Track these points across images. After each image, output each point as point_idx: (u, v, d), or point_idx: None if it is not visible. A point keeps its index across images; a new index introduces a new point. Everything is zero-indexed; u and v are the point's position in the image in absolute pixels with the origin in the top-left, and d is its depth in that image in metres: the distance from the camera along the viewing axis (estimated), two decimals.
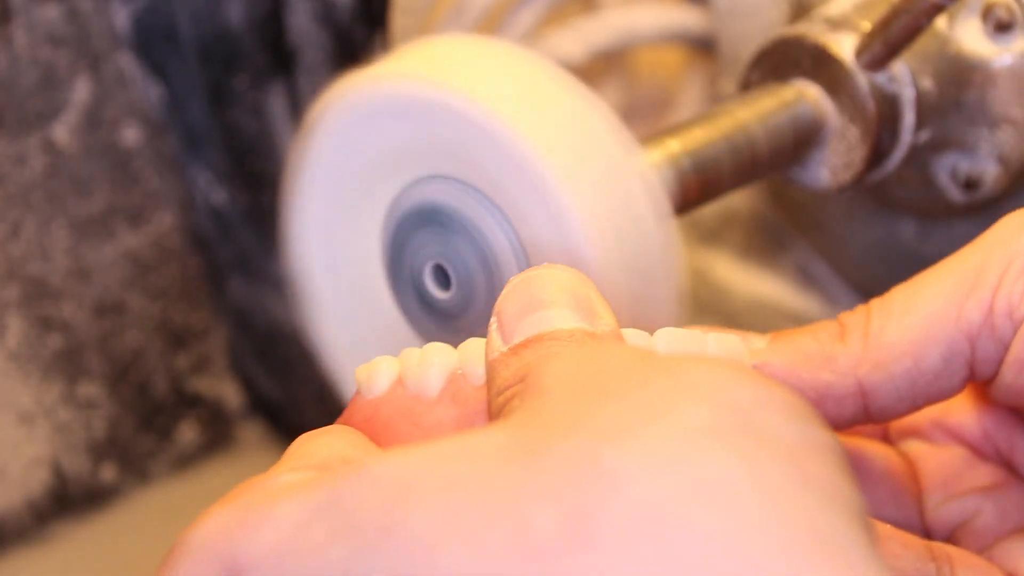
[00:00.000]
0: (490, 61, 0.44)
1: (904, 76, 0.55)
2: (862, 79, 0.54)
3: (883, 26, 0.53)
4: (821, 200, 0.67)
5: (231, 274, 0.80)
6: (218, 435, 0.83)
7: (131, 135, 0.76)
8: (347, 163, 0.47)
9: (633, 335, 0.39)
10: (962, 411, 0.46)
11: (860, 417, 0.41)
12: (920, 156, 0.57)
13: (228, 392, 0.84)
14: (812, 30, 0.55)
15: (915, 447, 0.46)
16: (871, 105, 0.54)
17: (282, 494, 0.31)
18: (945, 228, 0.63)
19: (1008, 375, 0.40)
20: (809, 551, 0.27)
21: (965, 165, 0.57)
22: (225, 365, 0.83)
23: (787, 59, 0.55)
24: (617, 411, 0.30)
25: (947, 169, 0.57)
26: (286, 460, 0.35)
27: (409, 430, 0.38)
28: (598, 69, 0.80)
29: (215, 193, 0.78)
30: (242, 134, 0.75)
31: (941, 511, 0.44)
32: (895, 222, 0.64)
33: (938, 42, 0.56)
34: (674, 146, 0.49)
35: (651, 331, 0.41)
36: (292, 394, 0.82)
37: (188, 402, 0.82)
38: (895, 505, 0.44)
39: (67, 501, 0.77)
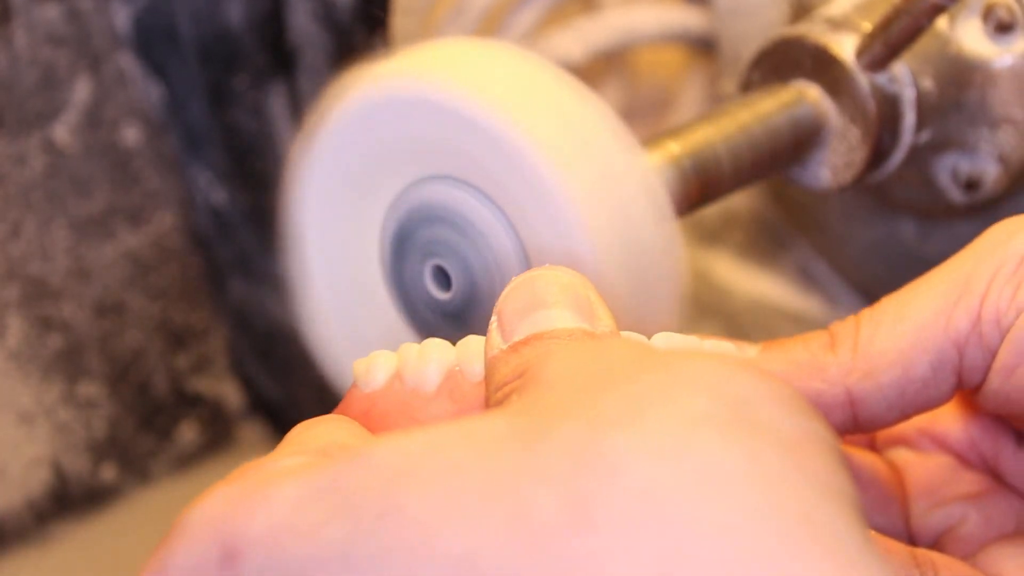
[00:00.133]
0: (491, 62, 0.44)
1: (905, 76, 0.55)
2: (863, 79, 0.54)
3: (884, 26, 0.53)
4: (822, 200, 0.67)
5: (231, 274, 0.80)
6: (218, 435, 0.83)
7: (131, 135, 0.76)
8: (348, 163, 0.47)
9: (632, 338, 0.39)
10: (948, 420, 0.46)
11: (849, 426, 0.42)
12: (921, 156, 0.57)
13: (228, 392, 0.84)
14: (813, 30, 0.55)
15: (901, 455, 0.46)
16: (872, 105, 0.54)
17: (281, 477, 0.31)
18: (946, 228, 0.63)
19: (995, 381, 0.40)
20: (804, 539, 0.27)
21: (966, 165, 0.57)
22: (225, 365, 0.83)
23: (788, 59, 0.55)
24: (617, 399, 0.30)
25: (948, 169, 0.57)
26: (284, 446, 0.35)
27: (405, 425, 0.39)
28: (598, 69, 0.80)
29: (215, 193, 0.78)
30: (242, 134, 0.75)
31: (927, 518, 0.44)
32: (896, 222, 0.64)
33: (939, 42, 0.56)
34: (675, 147, 0.49)
35: (650, 333, 0.41)
36: (292, 394, 0.82)
37: (188, 402, 0.82)
38: (881, 512, 0.44)
39: (67, 501, 0.77)
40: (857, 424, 0.42)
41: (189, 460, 0.82)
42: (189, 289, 0.80)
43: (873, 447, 0.47)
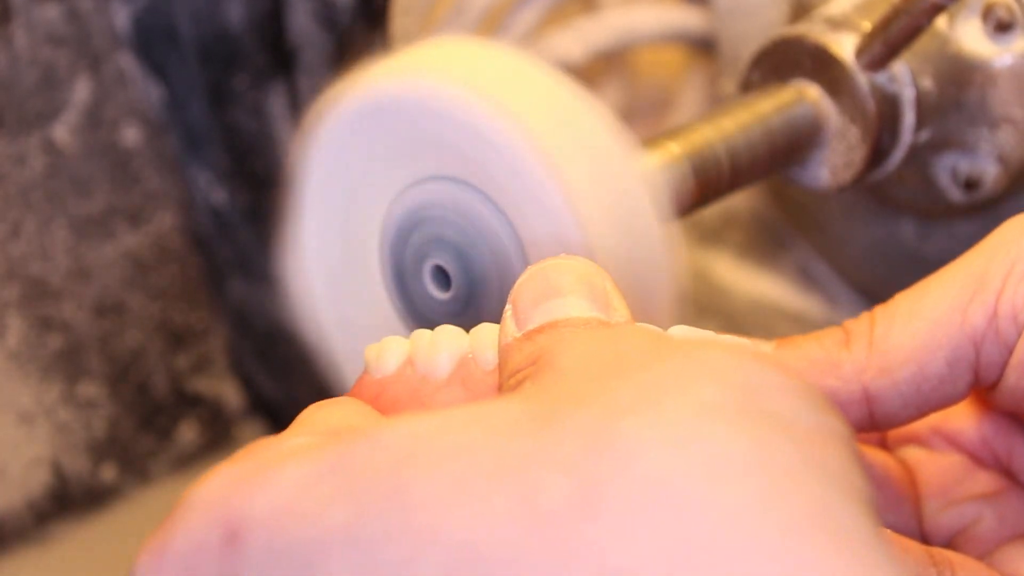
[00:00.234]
0: (491, 63, 0.44)
1: (904, 76, 0.55)
2: (862, 79, 0.54)
3: (883, 26, 0.53)
4: (821, 200, 0.67)
5: (231, 274, 0.80)
6: (218, 435, 0.83)
7: (131, 135, 0.76)
8: (348, 164, 0.47)
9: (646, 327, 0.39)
10: (961, 418, 0.46)
11: (865, 424, 0.41)
12: (920, 156, 0.57)
13: (228, 392, 0.84)
14: (812, 30, 0.55)
15: (914, 454, 0.46)
16: (871, 105, 0.54)
17: (286, 457, 0.30)
18: (945, 228, 0.63)
19: (1012, 378, 0.40)
20: (814, 532, 0.27)
21: (965, 165, 0.57)
22: (225, 365, 0.83)
23: (787, 59, 0.55)
24: (631, 387, 0.30)
25: (947, 169, 0.57)
26: (295, 426, 0.35)
27: (415, 411, 0.38)
28: (598, 69, 0.80)
29: (215, 193, 0.78)
30: (242, 134, 0.75)
31: (940, 518, 0.44)
32: (895, 222, 0.64)
33: (938, 42, 0.56)
34: (675, 148, 0.49)
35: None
36: (292, 394, 0.82)
37: (188, 402, 0.82)
38: (893, 512, 0.44)
39: (67, 501, 0.77)
40: (873, 422, 0.41)
41: (189, 460, 0.81)
42: (189, 289, 0.80)
43: (885, 446, 0.47)
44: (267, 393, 0.83)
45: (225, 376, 0.83)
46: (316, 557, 0.28)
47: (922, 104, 0.55)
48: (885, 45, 0.53)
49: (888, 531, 0.41)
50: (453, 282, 0.45)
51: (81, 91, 0.74)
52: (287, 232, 0.49)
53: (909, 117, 0.55)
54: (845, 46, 0.54)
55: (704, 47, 0.77)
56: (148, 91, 0.76)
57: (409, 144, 0.45)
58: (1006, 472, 0.45)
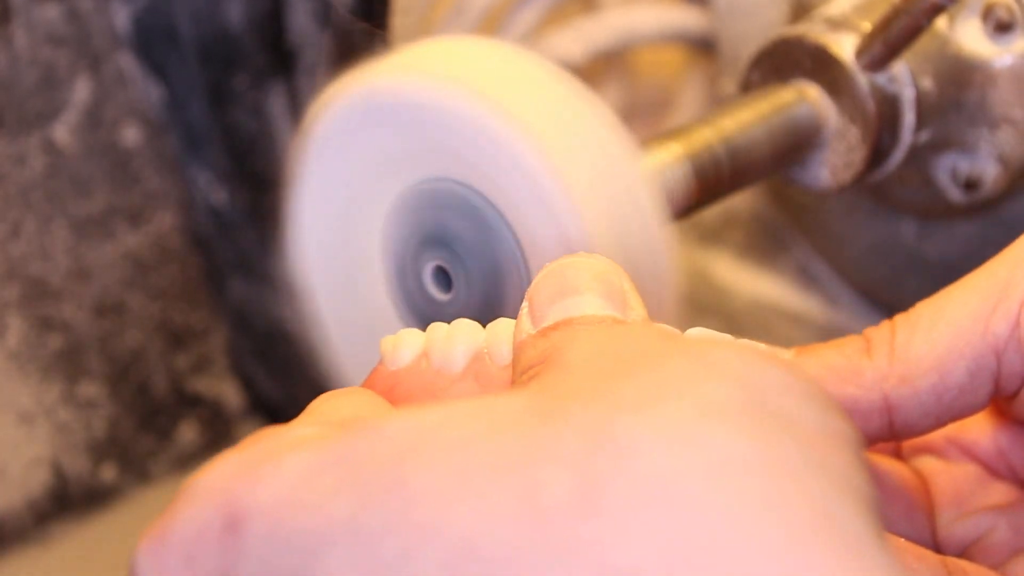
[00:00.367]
0: (490, 62, 0.44)
1: (904, 76, 0.55)
2: (862, 79, 0.54)
3: (883, 26, 0.53)
4: (821, 200, 0.67)
5: (231, 274, 0.80)
6: (218, 435, 0.83)
7: (131, 135, 0.76)
8: (347, 164, 0.47)
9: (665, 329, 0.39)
10: (977, 429, 0.45)
11: (885, 432, 0.41)
12: (920, 156, 0.57)
13: (228, 392, 0.84)
14: (812, 30, 0.55)
15: (928, 464, 0.45)
16: (871, 105, 0.54)
17: (292, 447, 0.30)
18: (945, 228, 0.63)
19: None
20: (815, 533, 0.27)
21: (965, 165, 0.57)
22: (225, 365, 0.83)
23: (787, 59, 0.55)
24: (637, 384, 0.30)
25: (947, 169, 0.57)
26: (304, 416, 0.35)
27: (423, 403, 0.38)
28: (598, 69, 0.80)
29: (215, 193, 0.78)
30: (242, 134, 0.75)
31: (954, 528, 0.44)
32: (895, 222, 0.64)
33: (938, 42, 0.56)
34: (675, 148, 0.49)
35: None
36: (292, 394, 0.82)
37: (188, 402, 0.82)
38: (907, 521, 0.44)
39: (67, 501, 0.77)
40: (893, 431, 0.41)
41: (189, 460, 0.81)
42: (189, 289, 0.80)
43: (899, 455, 0.46)
44: (267, 393, 0.83)
45: (225, 376, 0.83)
46: (316, 548, 0.28)
47: (922, 104, 0.55)
48: (885, 45, 0.53)
49: (901, 540, 0.41)
50: (454, 283, 0.45)
51: (81, 91, 0.74)
52: (287, 233, 0.49)
53: (909, 117, 0.55)
54: (845, 46, 0.54)
55: (704, 47, 0.77)
56: (148, 91, 0.76)
57: (409, 144, 0.45)
58: (1021, 483, 0.45)
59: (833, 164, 0.55)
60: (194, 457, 0.82)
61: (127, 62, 0.75)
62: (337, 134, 0.46)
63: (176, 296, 0.79)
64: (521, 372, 0.36)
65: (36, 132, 0.72)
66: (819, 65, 0.54)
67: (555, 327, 0.36)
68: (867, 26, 0.54)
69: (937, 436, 0.46)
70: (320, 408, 0.36)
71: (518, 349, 0.36)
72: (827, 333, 0.70)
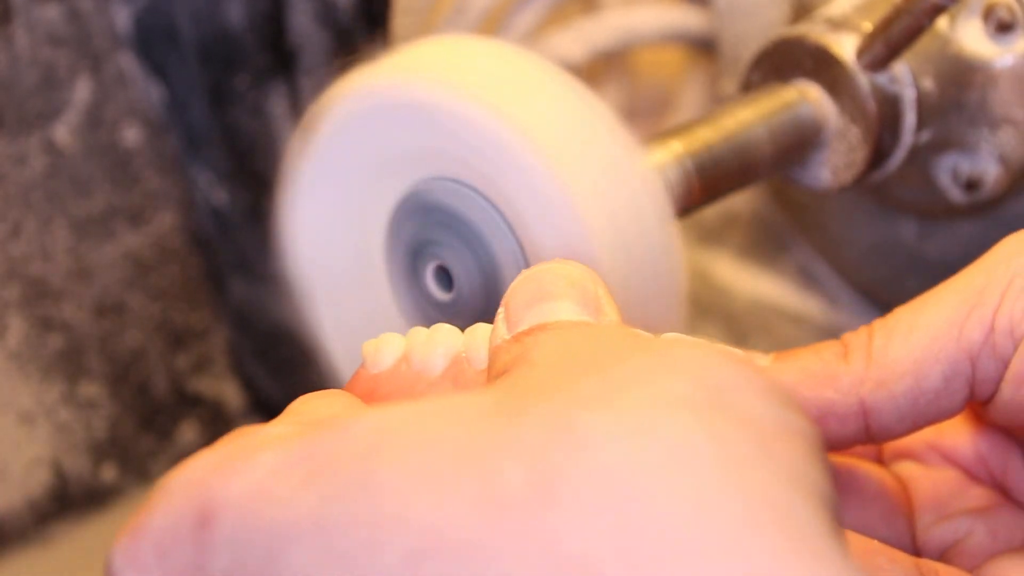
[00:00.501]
0: (491, 62, 0.44)
1: (905, 76, 0.55)
2: (863, 80, 0.54)
3: (884, 26, 0.53)
4: (822, 200, 0.67)
5: (232, 274, 0.80)
6: (219, 435, 0.83)
7: (132, 135, 0.76)
8: (348, 165, 0.47)
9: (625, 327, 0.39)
10: (956, 434, 0.46)
11: (862, 436, 0.42)
12: (921, 156, 0.57)
13: (229, 392, 0.84)
14: (813, 30, 0.55)
15: (908, 468, 0.46)
16: (872, 105, 0.54)
17: (264, 444, 0.31)
18: (946, 228, 0.63)
19: (1007, 392, 0.40)
20: (767, 527, 0.27)
21: (966, 165, 0.57)
22: (226, 365, 0.83)
23: (788, 59, 0.55)
24: (597, 379, 0.30)
25: (948, 169, 0.57)
26: (282, 416, 0.36)
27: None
28: (598, 69, 0.80)
29: (216, 193, 0.78)
30: (243, 134, 0.75)
31: (932, 532, 0.44)
32: (896, 222, 0.64)
33: (939, 42, 0.56)
34: (676, 147, 0.49)
35: (652, 334, 0.41)
36: (293, 394, 0.81)
37: (189, 402, 0.82)
38: (886, 525, 0.44)
39: (68, 501, 0.77)
40: (870, 434, 0.41)
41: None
42: (189, 289, 0.80)
43: (880, 460, 0.47)
44: (268, 393, 0.83)
45: (226, 376, 0.83)
46: (284, 540, 0.29)
47: (923, 104, 0.55)
48: (886, 45, 0.53)
49: (875, 542, 0.41)
50: (455, 283, 0.45)
51: (81, 91, 0.74)
52: (287, 234, 0.49)
53: (910, 117, 0.55)
54: (846, 46, 0.54)
55: (704, 47, 0.77)
56: (148, 91, 0.76)
57: (410, 145, 0.45)
58: (1000, 487, 0.45)
59: (834, 164, 0.55)
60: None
61: (127, 62, 0.75)
62: (338, 135, 0.46)
63: (177, 296, 0.79)
64: (496, 376, 0.36)
65: (36, 132, 0.72)
66: (820, 65, 0.54)
67: (528, 332, 0.36)
68: (868, 26, 0.54)
69: (917, 441, 0.46)
70: (298, 409, 0.37)
71: (493, 354, 0.37)
72: (827, 333, 0.70)
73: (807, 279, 0.73)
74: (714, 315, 0.75)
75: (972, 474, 0.46)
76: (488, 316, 0.42)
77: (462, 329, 0.40)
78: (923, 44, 0.55)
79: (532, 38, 0.74)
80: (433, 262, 0.46)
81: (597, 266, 0.42)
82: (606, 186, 0.43)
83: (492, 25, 0.74)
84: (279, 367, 0.82)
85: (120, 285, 0.77)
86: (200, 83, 0.75)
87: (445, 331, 0.40)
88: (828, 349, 0.42)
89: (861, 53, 0.54)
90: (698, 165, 0.50)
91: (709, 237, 0.77)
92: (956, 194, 0.58)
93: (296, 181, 0.48)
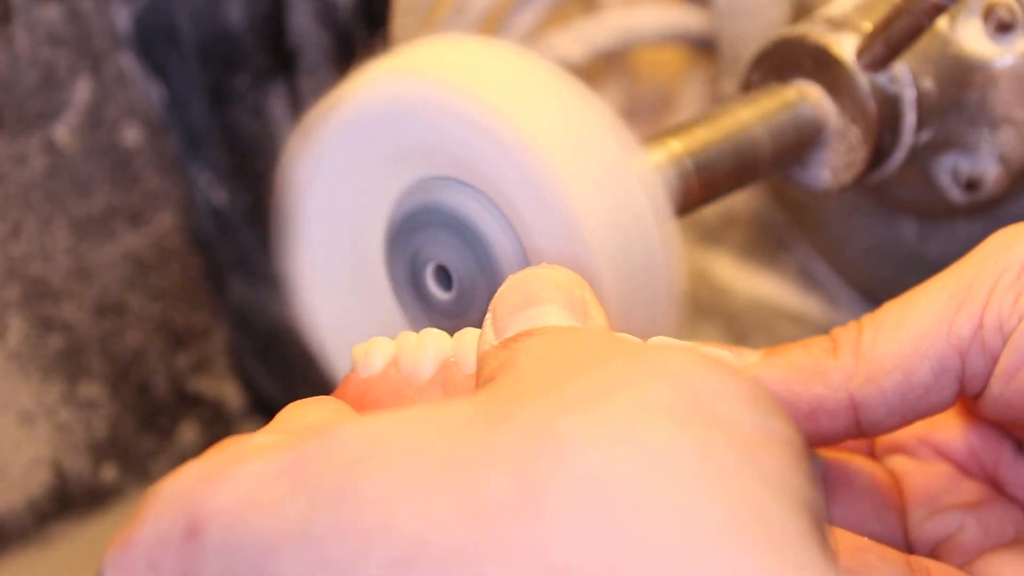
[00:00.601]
0: (490, 62, 0.44)
1: (905, 77, 0.55)
2: (863, 80, 0.54)
3: (884, 27, 0.53)
4: (822, 200, 0.67)
5: (232, 274, 0.80)
6: (219, 435, 0.83)
7: (132, 135, 0.76)
8: (348, 167, 0.47)
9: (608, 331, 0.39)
10: (948, 428, 0.46)
11: (852, 431, 0.42)
12: (921, 156, 0.57)
13: (229, 392, 0.84)
14: (813, 30, 0.55)
15: (900, 463, 0.46)
16: (872, 105, 0.54)
17: (252, 454, 0.31)
18: (946, 228, 0.63)
19: (996, 387, 0.40)
20: (749, 535, 0.27)
21: (966, 165, 0.57)
22: (226, 365, 0.83)
23: (788, 59, 0.55)
24: (579, 385, 0.30)
25: (948, 169, 0.57)
26: (271, 424, 0.36)
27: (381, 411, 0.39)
28: (598, 69, 0.80)
29: (216, 193, 0.78)
30: (243, 134, 0.75)
31: (924, 526, 0.44)
32: (896, 222, 0.64)
33: (939, 43, 0.56)
34: (676, 147, 0.49)
35: (648, 334, 0.41)
36: (293, 394, 0.81)
37: (189, 402, 0.82)
38: (878, 520, 0.44)
39: (68, 501, 0.77)
40: (860, 429, 0.42)
41: (189, 460, 0.81)
42: (189, 289, 0.80)
43: (872, 454, 0.47)
44: (268, 393, 0.83)
45: (226, 376, 0.83)
46: (270, 551, 0.29)
47: (923, 104, 0.55)
48: (886, 45, 0.53)
49: (866, 539, 0.41)
50: (455, 283, 0.45)
51: (82, 91, 0.74)
52: (287, 235, 0.49)
53: (910, 117, 0.55)
54: (846, 46, 0.54)
55: (704, 47, 0.77)
56: (148, 91, 0.76)
57: (410, 145, 0.45)
58: (991, 481, 0.45)
59: (834, 164, 0.55)
60: (194, 457, 0.82)
61: (128, 62, 0.75)
62: (338, 136, 0.46)
63: (177, 296, 0.79)
64: (483, 382, 0.36)
65: (37, 132, 0.72)
66: (820, 65, 0.54)
67: (516, 338, 0.36)
68: (868, 26, 0.54)
69: (909, 436, 0.46)
70: (287, 416, 0.37)
71: (481, 359, 0.37)
72: (827, 333, 0.70)
73: (807, 279, 0.73)
74: (714, 315, 0.75)
75: (964, 468, 0.46)
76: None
77: (452, 331, 0.40)
78: (923, 44, 0.55)
79: (532, 38, 0.74)
80: (433, 262, 0.46)
81: (595, 265, 0.42)
82: (604, 185, 0.43)
83: (492, 25, 0.74)
84: (279, 367, 0.82)
85: (120, 285, 0.77)
86: (200, 83, 0.75)
87: (434, 336, 0.40)
88: (817, 344, 0.42)
89: (861, 53, 0.54)
90: (697, 165, 0.50)
91: (709, 237, 0.77)
92: (956, 194, 0.58)
93: (298, 183, 0.48)
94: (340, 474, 0.29)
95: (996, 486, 0.45)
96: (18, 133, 0.72)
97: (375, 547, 0.28)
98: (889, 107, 0.55)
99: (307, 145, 0.47)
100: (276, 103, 0.73)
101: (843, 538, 0.41)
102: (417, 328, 0.47)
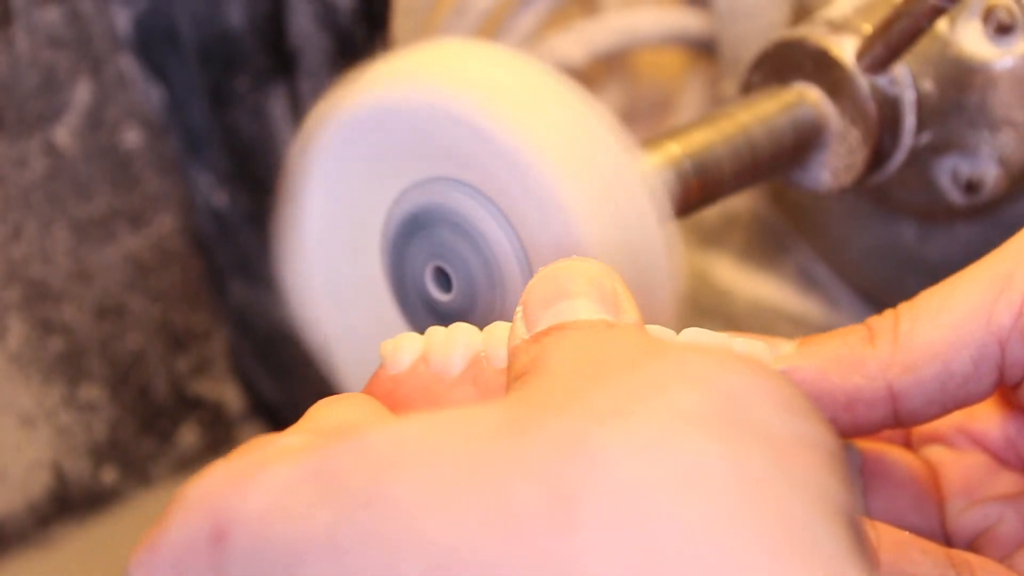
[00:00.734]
0: (490, 65, 0.44)
1: (905, 78, 0.55)
2: (863, 81, 0.54)
3: (884, 28, 0.53)
4: (822, 202, 0.67)
5: (232, 276, 0.80)
6: (219, 437, 0.83)
7: (132, 137, 0.76)
8: (349, 169, 0.47)
9: (657, 332, 0.39)
10: (986, 418, 0.45)
11: (890, 421, 0.41)
12: (921, 158, 0.57)
13: (229, 394, 0.84)
14: (813, 32, 0.55)
15: (938, 453, 0.45)
16: (872, 107, 0.54)
17: (279, 457, 0.31)
18: (946, 230, 0.63)
19: None
20: (783, 546, 0.27)
21: (966, 167, 0.57)
22: (226, 367, 0.83)
23: (788, 61, 0.55)
24: (610, 392, 0.30)
25: (948, 171, 0.57)
26: (300, 422, 0.36)
27: (426, 408, 0.38)
28: (599, 71, 0.80)
29: (216, 195, 0.78)
30: (243, 136, 0.75)
31: (963, 518, 0.44)
32: (896, 224, 0.64)
33: (939, 44, 0.56)
34: (675, 148, 0.49)
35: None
36: (293, 396, 0.82)
37: (189, 404, 0.82)
38: (916, 511, 0.44)
39: (68, 504, 0.77)
40: (898, 419, 0.41)
41: (190, 463, 0.81)
42: (190, 291, 0.80)
43: (908, 445, 0.46)
44: (268, 396, 0.83)
45: (226, 379, 0.83)
46: (296, 560, 0.29)
47: (923, 106, 0.55)
48: (886, 47, 0.53)
49: (906, 533, 0.41)
50: (454, 284, 0.45)
51: (82, 93, 0.74)
52: (287, 237, 0.49)
53: (910, 119, 0.55)
54: (846, 48, 0.54)
55: (705, 49, 0.77)
56: (149, 93, 0.76)
57: (410, 147, 0.45)
58: None
59: (834, 166, 0.55)
60: (195, 460, 0.82)
61: (128, 64, 0.75)
62: (339, 138, 0.46)
63: (177, 298, 0.79)
64: (515, 377, 0.36)
65: (37, 134, 0.72)
66: (820, 67, 0.54)
67: (547, 332, 0.36)
68: (868, 28, 0.54)
69: (946, 426, 0.46)
70: (316, 415, 0.36)
71: (512, 354, 0.37)
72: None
73: (807, 281, 0.73)
74: (714, 317, 0.75)
75: (1002, 458, 0.45)
76: (487, 317, 0.42)
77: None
78: (923, 46, 0.55)
79: (532, 40, 0.74)
80: (432, 263, 0.46)
81: None
82: (604, 187, 0.43)
83: (492, 27, 0.74)
84: (279, 369, 0.82)
85: (120, 287, 0.77)
86: (200, 85, 0.75)
87: (463, 330, 0.39)
88: (854, 333, 0.41)
89: (861, 55, 0.54)
90: (697, 167, 0.50)
91: (709, 239, 0.77)
92: (956, 196, 0.58)
93: (298, 188, 0.48)
94: (367, 480, 0.29)
95: None
96: (18, 135, 0.72)
97: (405, 558, 0.28)
98: (889, 109, 0.55)
99: (307, 147, 0.47)
100: (276, 105, 0.73)
101: (884, 532, 0.41)
102: (417, 330, 0.47)
